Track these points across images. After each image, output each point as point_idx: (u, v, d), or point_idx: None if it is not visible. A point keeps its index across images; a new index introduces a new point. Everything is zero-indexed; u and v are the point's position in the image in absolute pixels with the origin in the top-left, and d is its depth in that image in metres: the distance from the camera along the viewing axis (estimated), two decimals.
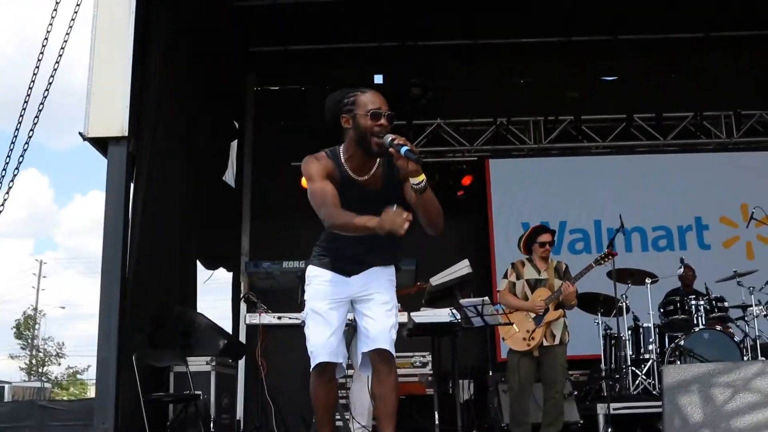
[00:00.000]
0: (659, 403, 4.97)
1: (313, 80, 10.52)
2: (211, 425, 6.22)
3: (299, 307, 6.34)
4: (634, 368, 7.29)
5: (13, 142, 5.59)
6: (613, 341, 7.76)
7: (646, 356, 7.42)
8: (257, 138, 10.30)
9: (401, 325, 4.94)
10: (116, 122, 5.67)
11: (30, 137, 5.66)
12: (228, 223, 9.69)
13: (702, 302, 7.26)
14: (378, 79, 10.55)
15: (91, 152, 6.08)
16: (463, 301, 5.71)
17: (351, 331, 4.08)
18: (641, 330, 7.61)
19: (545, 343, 6.20)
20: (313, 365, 3.67)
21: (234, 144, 10.04)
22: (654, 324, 7.50)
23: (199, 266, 8.35)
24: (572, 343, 6.40)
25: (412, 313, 5.91)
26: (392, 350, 3.64)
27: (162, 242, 6.62)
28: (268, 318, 6.18)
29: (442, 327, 5.97)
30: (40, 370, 37.86)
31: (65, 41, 5.83)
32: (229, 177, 9.96)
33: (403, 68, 10.18)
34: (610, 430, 6.41)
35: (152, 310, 6.40)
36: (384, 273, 3.76)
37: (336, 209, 3.40)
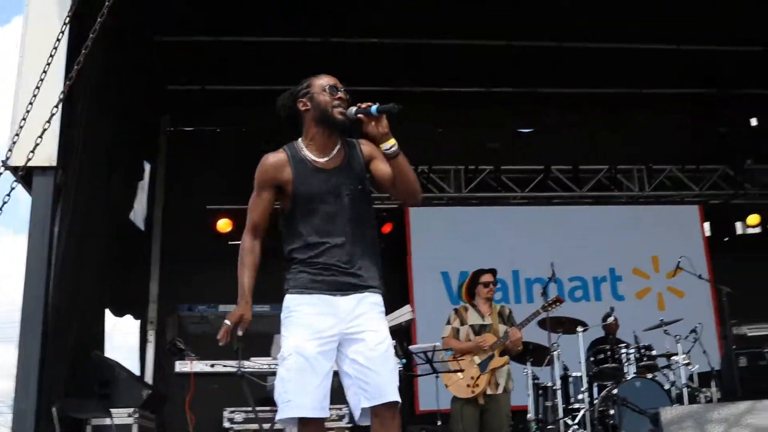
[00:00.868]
0: None
1: (230, 121, 10.21)
2: None
3: (233, 354, 6.00)
4: (566, 419, 7.21)
5: None
6: (540, 391, 7.69)
7: (576, 405, 7.37)
8: (169, 180, 9.90)
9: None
10: (43, 151, 5.19)
11: None
12: (137, 267, 9.18)
13: (632, 351, 7.31)
14: None
15: None
16: (413, 347, 5.51)
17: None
18: (570, 379, 7.58)
19: (489, 392, 6.07)
20: (287, 417, 3.14)
21: (144, 185, 9.57)
22: (584, 373, 7.47)
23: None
24: None
25: None
26: (399, 398, 3.17)
27: (80, 285, 6.14)
28: (200, 366, 5.79)
29: None
30: None
31: None
32: (139, 220, 9.48)
33: None
34: None
35: (70, 356, 5.88)
36: (372, 305, 3.29)
37: (244, 248, 3.36)
